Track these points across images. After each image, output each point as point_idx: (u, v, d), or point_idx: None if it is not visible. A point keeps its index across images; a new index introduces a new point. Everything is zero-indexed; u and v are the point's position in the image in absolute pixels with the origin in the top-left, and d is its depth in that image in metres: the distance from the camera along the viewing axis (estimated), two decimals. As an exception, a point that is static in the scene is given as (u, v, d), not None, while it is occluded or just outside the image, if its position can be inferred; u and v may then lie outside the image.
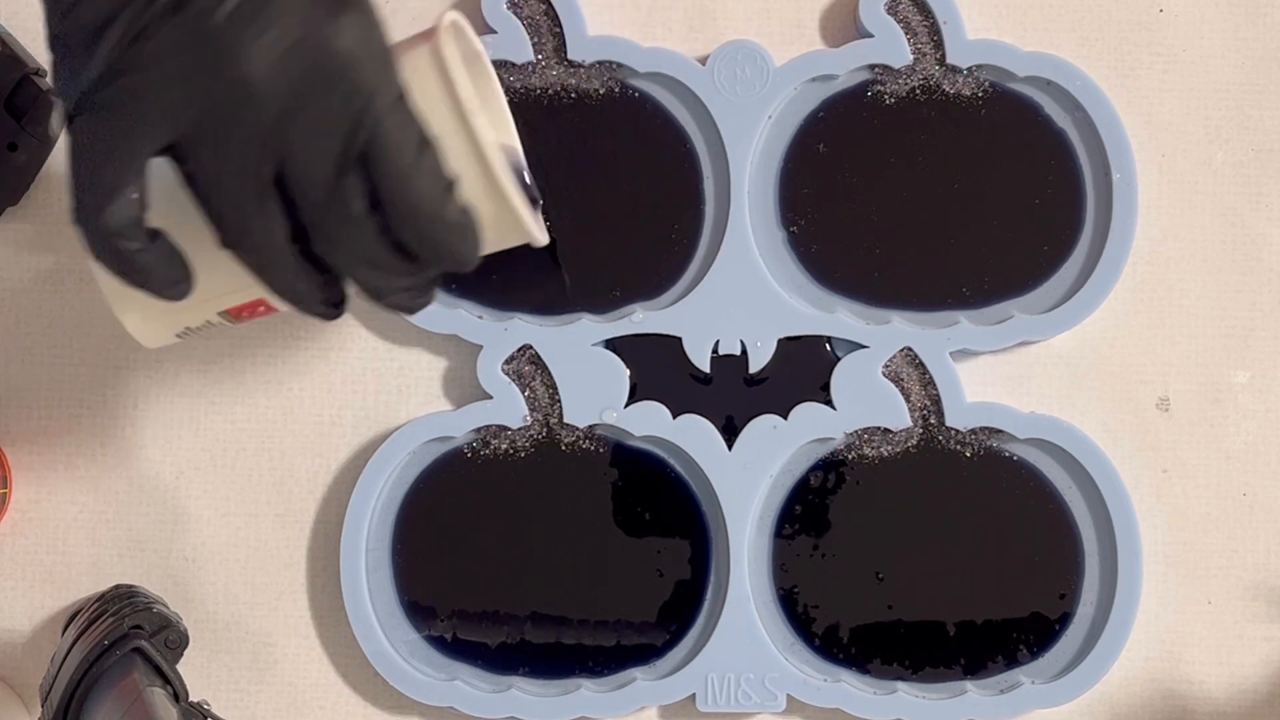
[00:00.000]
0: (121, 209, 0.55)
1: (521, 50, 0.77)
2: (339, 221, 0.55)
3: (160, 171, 0.57)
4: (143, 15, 0.53)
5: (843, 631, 0.77)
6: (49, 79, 0.57)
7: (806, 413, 0.77)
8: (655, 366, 0.77)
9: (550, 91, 0.78)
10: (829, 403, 0.77)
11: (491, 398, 0.77)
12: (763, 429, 0.77)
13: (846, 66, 0.77)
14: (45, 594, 0.78)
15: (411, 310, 0.60)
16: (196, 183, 0.55)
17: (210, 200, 0.55)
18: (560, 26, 0.77)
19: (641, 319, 0.77)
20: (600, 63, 0.77)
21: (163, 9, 0.53)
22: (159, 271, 0.56)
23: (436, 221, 0.56)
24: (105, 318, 0.78)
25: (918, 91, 0.77)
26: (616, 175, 0.78)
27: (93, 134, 0.54)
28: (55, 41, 0.55)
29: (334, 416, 0.78)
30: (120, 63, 0.53)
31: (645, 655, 0.77)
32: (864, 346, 0.77)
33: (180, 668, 0.71)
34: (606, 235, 0.78)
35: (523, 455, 0.77)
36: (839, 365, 0.77)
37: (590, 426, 0.77)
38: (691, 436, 0.77)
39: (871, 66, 0.77)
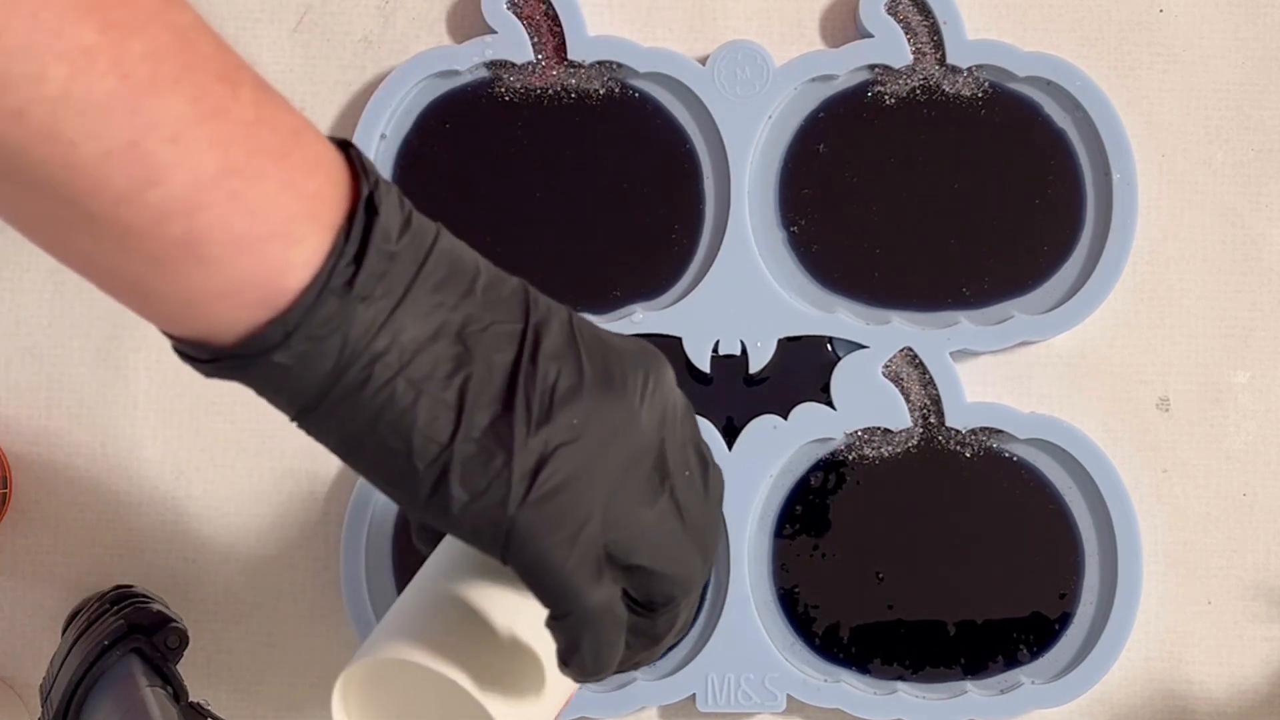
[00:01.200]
0: (607, 583, 0.51)
1: (521, 50, 0.77)
2: (713, 530, 0.54)
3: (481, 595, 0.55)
4: (545, 397, 0.49)
5: (843, 631, 0.77)
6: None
7: (806, 413, 0.77)
8: (655, 366, 0.77)
9: (550, 91, 0.78)
10: (829, 403, 0.77)
11: (491, 398, 0.77)
12: (763, 429, 0.77)
13: (846, 66, 0.77)
14: (45, 594, 0.78)
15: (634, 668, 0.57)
16: (639, 554, 0.51)
17: (660, 551, 0.52)
18: (560, 26, 0.77)
19: (641, 319, 0.77)
20: (600, 63, 0.77)
21: (567, 390, 0.50)
22: (618, 651, 0.52)
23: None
24: (105, 318, 0.78)
25: (918, 91, 0.77)
26: (616, 175, 0.78)
27: (552, 522, 0.49)
28: (454, 454, 0.48)
29: (334, 416, 0.78)
30: (548, 442, 0.49)
31: (645, 655, 0.77)
32: (864, 346, 0.77)
33: (180, 668, 0.71)
34: (606, 235, 0.78)
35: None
36: (839, 365, 0.77)
37: (590, 426, 0.77)
38: (691, 436, 0.77)
39: (871, 66, 0.77)
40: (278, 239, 0.46)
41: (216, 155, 0.44)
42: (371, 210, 0.47)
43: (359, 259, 0.47)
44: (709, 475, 0.54)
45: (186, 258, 0.45)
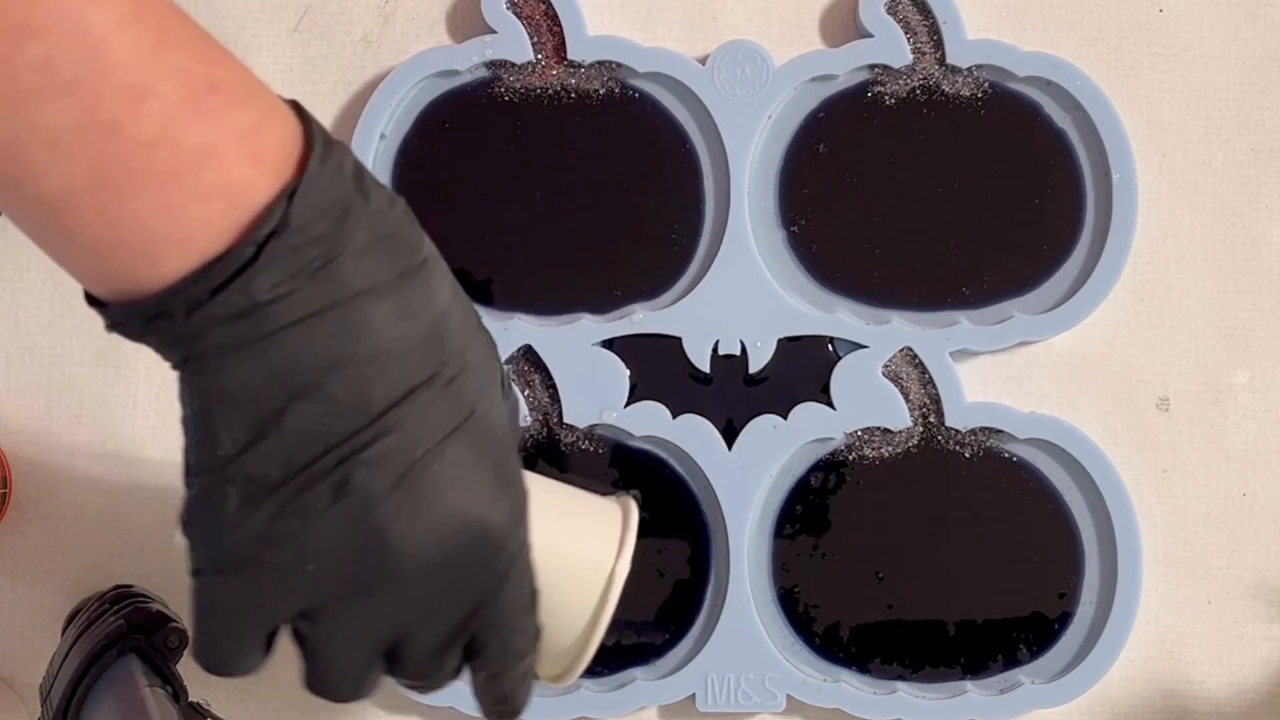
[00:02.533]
0: (252, 662, 0.53)
1: (521, 50, 0.77)
2: (432, 679, 0.55)
3: None
4: (304, 495, 0.49)
5: (843, 631, 0.77)
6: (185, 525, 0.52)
7: (806, 413, 0.77)
8: (655, 366, 0.77)
9: (550, 91, 0.78)
10: (829, 403, 0.77)
11: (491, 398, 0.77)
12: (763, 429, 0.77)
13: (846, 66, 0.77)
14: (45, 594, 0.78)
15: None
16: (310, 642, 0.53)
17: (318, 658, 0.53)
18: (560, 26, 0.77)
19: (641, 319, 0.77)
20: (600, 63, 0.77)
21: (328, 492, 0.49)
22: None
23: (516, 677, 0.56)
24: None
25: (918, 91, 0.77)
26: (616, 175, 0.78)
27: (229, 591, 0.51)
28: (201, 475, 0.50)
29: (334, 416, 0.78)
30: (273, 533, 0.49)
31: (645, 655, 0.77)
32: (864, 346, 0.77)
33: (180, 668, 0.71)
34: (606, 235, 0.78)
35: (522, 455, 0.77)
36: (839, 365, 0.77)
37: (590, 426, 0.77)
38: (691, 437, 0.77)
39: (871, 66, 0.77)
40: (138, 256, 0.47)
41: (91, 169, 0.46)
42: (242, 270, 0.47)
43: (191, 312, 0.49)
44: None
45: (62, 242, 0.48)
